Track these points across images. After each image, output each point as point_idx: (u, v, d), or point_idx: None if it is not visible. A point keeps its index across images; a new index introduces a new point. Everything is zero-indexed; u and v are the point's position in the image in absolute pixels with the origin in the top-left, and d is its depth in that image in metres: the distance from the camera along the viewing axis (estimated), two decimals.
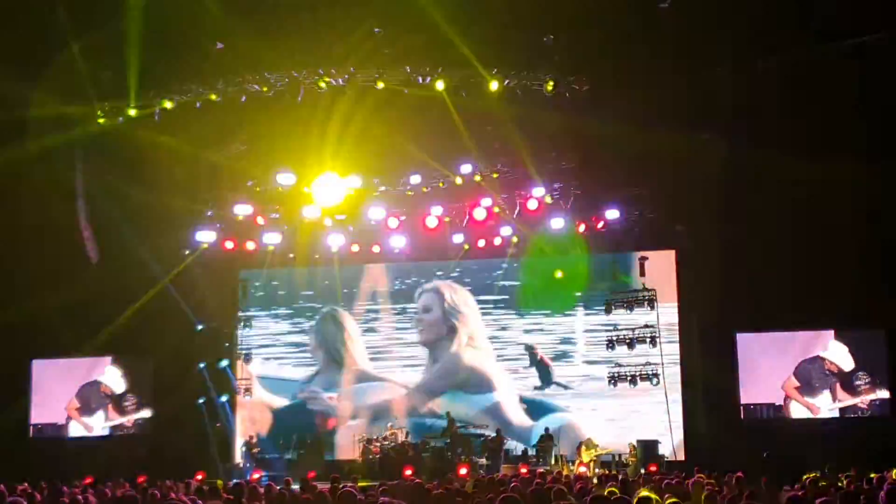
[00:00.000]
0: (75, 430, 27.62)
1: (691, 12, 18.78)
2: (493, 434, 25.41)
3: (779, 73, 20.28)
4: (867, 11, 18.56)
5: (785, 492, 13.23)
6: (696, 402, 25.27)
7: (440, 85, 21.06)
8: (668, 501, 9.91)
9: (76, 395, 27.75)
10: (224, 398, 27.83)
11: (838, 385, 24.85)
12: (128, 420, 27.51)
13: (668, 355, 25.79)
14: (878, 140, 20.92)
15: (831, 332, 24.90)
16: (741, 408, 25.11)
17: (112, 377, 27.74)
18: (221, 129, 23.38)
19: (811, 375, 25.04)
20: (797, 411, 24.94)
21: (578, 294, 27.10)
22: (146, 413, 27.42)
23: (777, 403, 25.07)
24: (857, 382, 24.71)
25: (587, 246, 26.30)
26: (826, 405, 24.85)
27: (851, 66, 19.46)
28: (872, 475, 14.80)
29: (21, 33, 18.43)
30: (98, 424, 27.64)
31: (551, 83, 21.13)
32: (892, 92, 19.86)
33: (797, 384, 25.04)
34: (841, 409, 24.75)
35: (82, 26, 18.69)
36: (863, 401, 24.62)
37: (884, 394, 24.40)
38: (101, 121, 21.84)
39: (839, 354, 24.93)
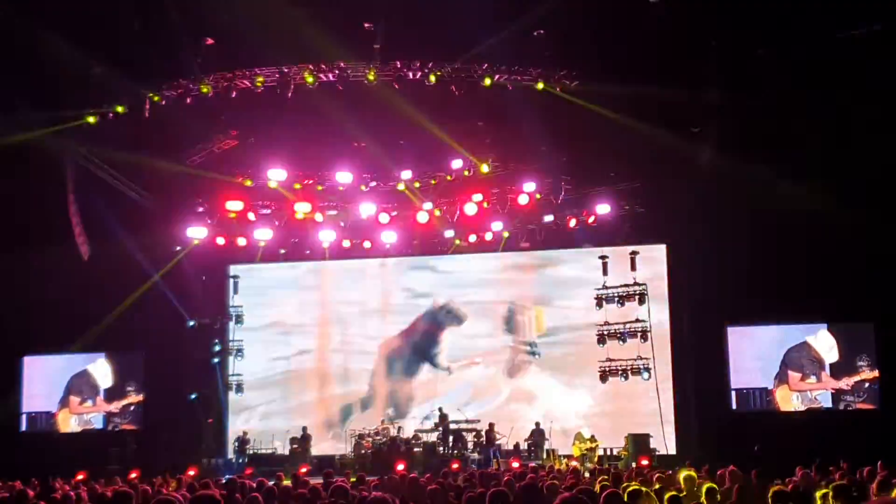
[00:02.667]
0: (64, 424, 27.52)
1: (681, 7, 18.78)
2: (486, 428, 25.49)
3: (769, 67, 20.29)
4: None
5: (775, 485, 13.26)
6: (687, 395, 25.34)
7: (431, 80, 21.04)
8: (668, 495, 9.92)
9: (72, 393, 27.66)
10: (216, 394, 27.81)
11: (823, 372, 25.00)
12: (115, 407, 27.43)
13: (659, 349, 25.84)
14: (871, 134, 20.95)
15: (822, 326, 25.03)
16: (732, 394, 25.18)
17: (101, 369, 27.64)
18: (212, 124, 23.35)
19: (802, 363, 25.14)
20: (783, 402, 25.05)
21: None
22: (133, 398, 27.37)
23: (768, 388, 25.18)
24: (841, 367, 24.80)
25: None
26: (810, 392, 25.06)
27: (844, 58, 19.50)
28: (865, 468, 14.83)
29: (12, 29, 18.32)
30: (87, 414, 27.61)
31: (541, 83, 21.15)
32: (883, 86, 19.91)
33: (799, 376, 25.14)
34: (833, 397, 24.84)
35: (73, 22, 18.58)
36: (847, 383, 24.70)
37: (867, 375, 24.48)
38: (91, 119, 21.76)
39: (824, 345, 25.02)
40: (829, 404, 24.92)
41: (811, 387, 24.96)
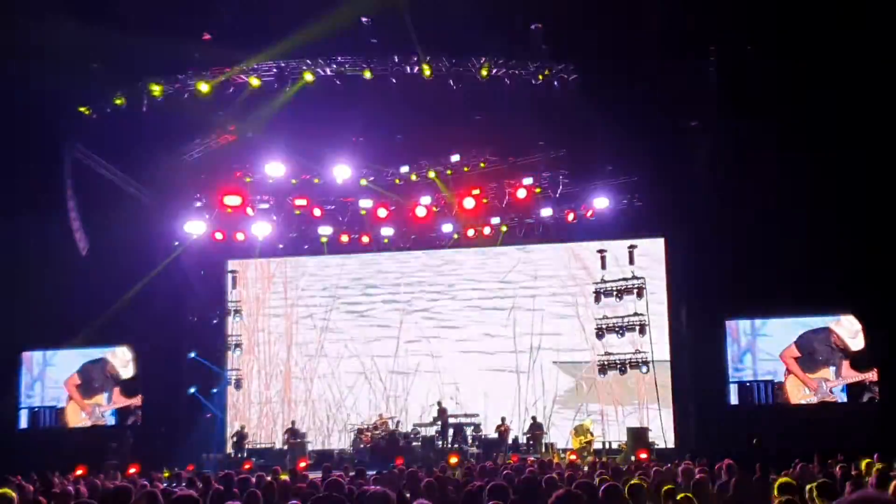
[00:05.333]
0: (73, 417, 27.45)
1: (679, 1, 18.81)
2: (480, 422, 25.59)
3: (767, 60, 20.31)
4: None
5: (773, 479, 13.27)
6: (685, 389, 25.36)
7: (426, 73, 21.00)
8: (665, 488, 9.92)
9: (77, 372, 27.44)
10: (214, 389, 27.82)
11: (846, 362, 24.41)
12: (133, 402, 27.32)
13: (657, 343, 25.87)
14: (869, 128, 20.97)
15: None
16: (732, 387, 25.06)
17: (121, 357, 27.48)
18: (210, 119, 23.33)
19: (814, 347, 24.66)
20: (794, 393, 24.81)
21: None
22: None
23: (776, 381, 25.00)
24: (867, 358, 24.10)
25: None
26: (828, 382, 24.53)
27: (843, 52, 19.52)
28: (863, 462, 14.84)
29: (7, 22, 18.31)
30: (99, 407, 27.47)
31: (541, 76, 21.13)
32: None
33: (797, 354, 24.68)
34: (849, 389, 24.39)
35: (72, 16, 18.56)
36: (870, 377, 24.19)
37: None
38: (85, 111, 21.74)
39: (850, 330, 24.40)
40: (844, 399, 24.55)
41: (821, 379, 24.56)
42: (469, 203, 25.70)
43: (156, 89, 21.51)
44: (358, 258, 28.99)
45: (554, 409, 26.66)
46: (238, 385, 28.21)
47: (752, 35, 19.79)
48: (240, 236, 27.28)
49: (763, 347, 25.14)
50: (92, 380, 27.52)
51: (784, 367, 24.96)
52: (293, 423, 26.64)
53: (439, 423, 25.67)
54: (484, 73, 21.01)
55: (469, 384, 27.21)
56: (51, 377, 27.71)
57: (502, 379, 27.43)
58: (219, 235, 27.04)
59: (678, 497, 9.06)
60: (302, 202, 26.07)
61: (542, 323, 27.46)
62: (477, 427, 25.69)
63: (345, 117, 22.47)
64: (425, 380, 27.86)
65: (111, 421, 27.36)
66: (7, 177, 21.71)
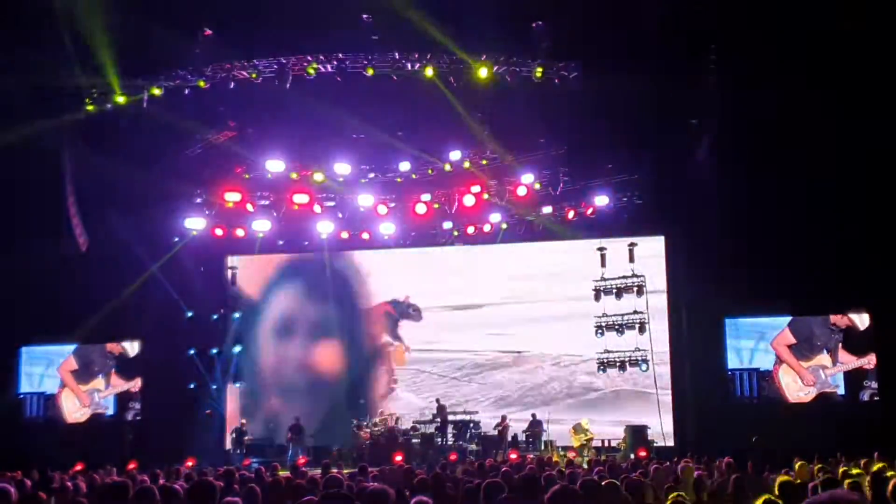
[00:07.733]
0: (68, 405, 27.38)
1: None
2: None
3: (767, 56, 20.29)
4: None
5: (773, 478, 13.26)
6: (685, 387, 25.34)
7: (429, 71, 20.98)
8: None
9: (73, 354, 27.34)
10: (214, 385, 27.82)
11: (841, 344, 24.09)
12: (133, 385, 27.24)
13: (657, 341, 25.84)
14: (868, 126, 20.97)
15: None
16: (727, 375, 25.01)
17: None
18: (210, 115, 23.32)
19: (812, 331, 24.39)
20: (789, 385, 24.68)
21: None
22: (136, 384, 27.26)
23: (763, 369, 24.88)
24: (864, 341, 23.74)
25: None
26: (825, 369, 24.28)
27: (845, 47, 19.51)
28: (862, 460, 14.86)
29: (8, 19, 18.31)
30: (98, 392, 27.33)
31: (540, 70, 21.10)
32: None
33: (791, 340, 24.38)
34: (847, 381, 24.06)
35: (71, 12, 18.55)
36: (869, 361, 23.91)
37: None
38: (89, 108, 21.73)
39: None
40: (842, 391, 24.32)
41: (816, 368, 24.29)
42: (469, 200, 25.68)
43: (156, 92, 21.53)
44: (364, 255, 28.96)
45: (553, 407, 26.63)
46: (236, 380, 28.22)
47: (753, 34, 19.78)
48: (240, 232, 27.26)
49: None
50: (91, 363, 27.38)
51: (774, 356, 24.84)
52: (297, 419, 26.57)
53: (438, 420, 25.69)
54: (484, 70, 20.98)
55: (472, 382, 27.26)
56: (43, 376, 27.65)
57: (503, 376, 27.49)
58: (219, 231, 27.02)
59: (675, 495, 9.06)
60: (302, 198, 26.03)
61: (541, 321, 27.44)
62: (476, 424, 25.68)
63: (345, 114, 22.46)
64: (433, 378, 27.88)
65: (110, 410, 27.29)
66: (7, 175, 21.68)
